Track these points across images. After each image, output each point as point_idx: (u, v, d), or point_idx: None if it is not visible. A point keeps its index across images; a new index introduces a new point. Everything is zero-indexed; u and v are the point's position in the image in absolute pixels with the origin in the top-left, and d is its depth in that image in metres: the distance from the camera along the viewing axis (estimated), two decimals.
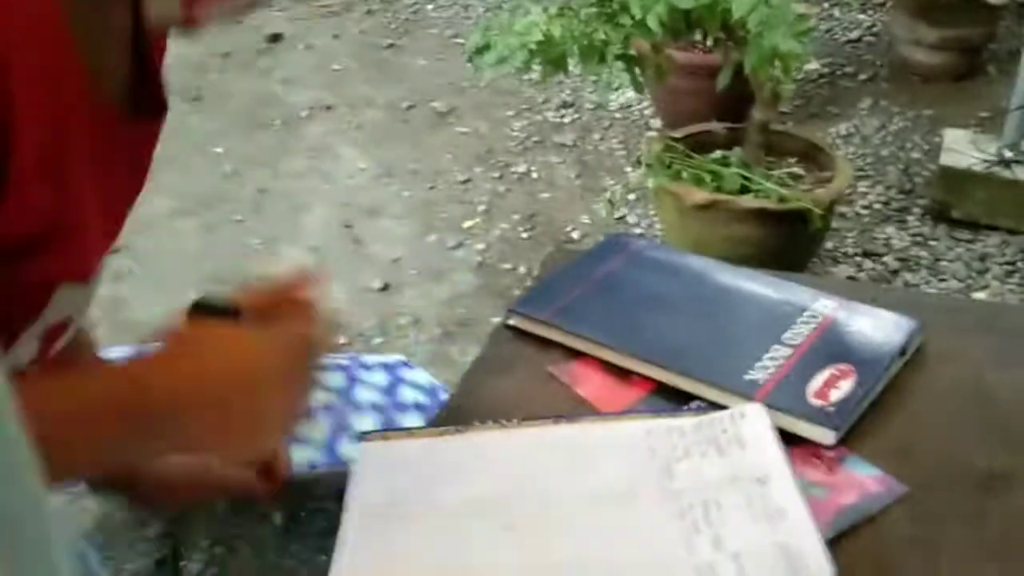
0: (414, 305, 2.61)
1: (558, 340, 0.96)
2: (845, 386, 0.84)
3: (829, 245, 2.59)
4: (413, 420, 1.64)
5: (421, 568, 0.73)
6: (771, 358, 0.88)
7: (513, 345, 0.98)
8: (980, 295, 2.42)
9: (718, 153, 2.45)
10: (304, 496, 2.00)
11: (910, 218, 2.77)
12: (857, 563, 0.70)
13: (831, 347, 0.89)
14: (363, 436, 0.85)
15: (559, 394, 0.90)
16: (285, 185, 3.16)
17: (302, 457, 1.68)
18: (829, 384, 0.84)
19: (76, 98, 0.57)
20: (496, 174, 3.16)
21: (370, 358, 1.85)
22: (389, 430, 0.85)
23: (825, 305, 0.95)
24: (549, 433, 0.85)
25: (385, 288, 2.69)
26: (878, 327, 0.92)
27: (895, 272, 2.54)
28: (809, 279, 1.00)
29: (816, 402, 0.83)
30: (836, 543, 0.72)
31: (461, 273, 2.71)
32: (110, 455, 0.61)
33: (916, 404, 0.86)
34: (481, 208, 2.97)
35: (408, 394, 1.72)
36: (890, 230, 2.71)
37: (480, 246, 2.80)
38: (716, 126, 2.56)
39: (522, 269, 2.69)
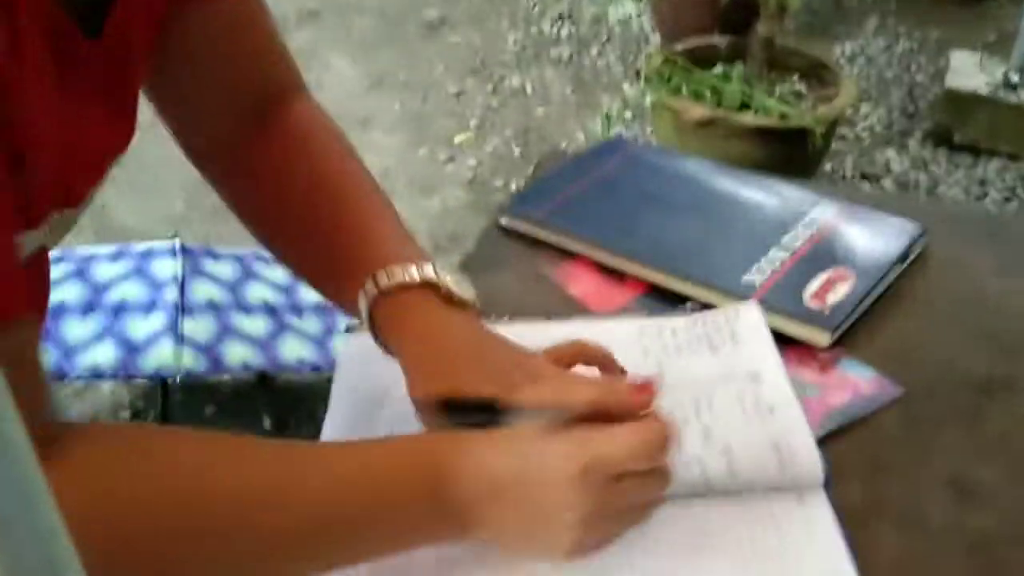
0: (404, 218, 2.59)
1: (551, 240, 0.95)
2: (842, 289, 0.84)
3: (827, 167, 2.58)
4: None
5: None
6: (768, 261, 0.87)
7: (504, 245, 0.97)
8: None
9: (719, 68, 2.42)
10: (294, 400, 2.01)
11: (911, 141, 2.76)
12: (848, 462, 0.71)
13: (830, 251, 0.89)
14: (348, 329, 0.85)
15: (550, 294, 0.90)
16: None
17: (292, 353, 1.72)
18: (826, 287, 0.84)
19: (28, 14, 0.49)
20: (489, 87, 3.11)
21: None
22: None
23: (826, 210, 0.95)
24: (538, 331, 0.84)
25: None
26: (879, 232, 0.92)
27: (893, 196, 2.54)
28: (811, 184, 0.98)
29: (812, 304, 0.82)
30: (827, 442, 0.72)
31: (452, 188, 2.69)
32: (397, 539, 0.58)
33: (915, 310, 0.86)
34: (473, 122, 2.94)
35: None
36: (890, 153, 2.70)
37: (472, 161, 2.77)
38: (718, 40, 2.52)
39: (514, 186, 2.67)
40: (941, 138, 2.72)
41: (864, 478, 0.70)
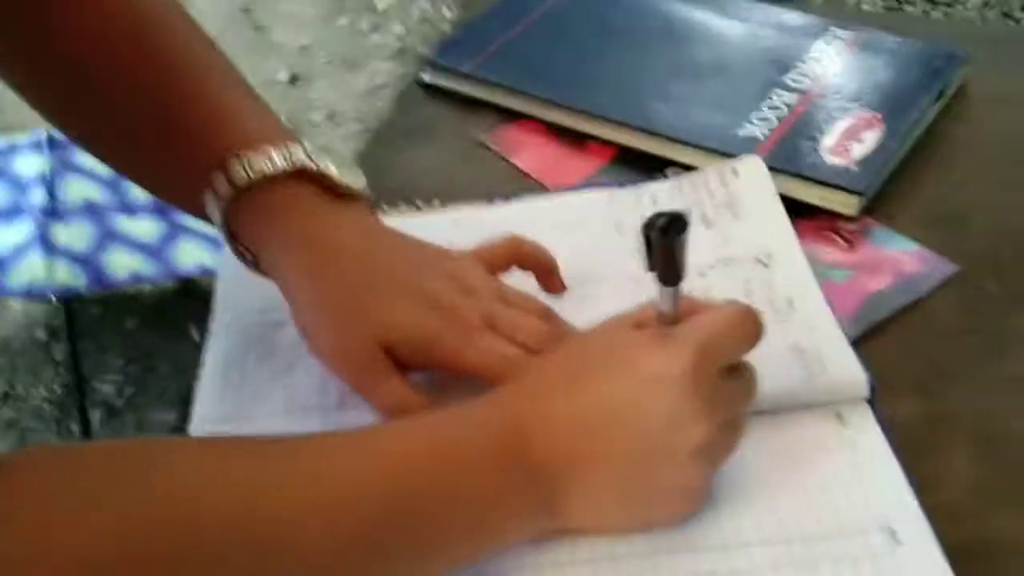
0: (328, 98, 2.38)
1: (488, 99, 0.76)
2: (870, 138, 0.66)
3: None
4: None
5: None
6: (772, 107, 0.69)
7: (430, 107, 0.78)
8: (962, 18, 2.20)
9: None
10: None
11: None
12: (896, 366, 0.54)
13: (849, 89, 0.70)
14: None
15: (493, 167, 0.72)
16: None
17: (190, 258, 1.53)
18: (850, 136, 0.66)
19: None
20: None
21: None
22: None
23: (839, 35, 0.75)
24: (481, 216, 0.66)
25: (294, 80, 2.44)
26: (910, 62, 0.73)
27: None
28: (811, 7, 0.79)
29: (835, 160, 0.64)
30: (867, 341, 0.55)
31: (379, 60, 2.46)
32: (476, 535, 0.43)
33: (960, 161, 0.68)
34: None
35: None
36: None
37: (398, 29, 2.53)
38: None
39: None
40: None
41: (920, 386, 0.54)
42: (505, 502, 0.43)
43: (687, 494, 0.45)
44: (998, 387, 0.53)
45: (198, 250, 1.52)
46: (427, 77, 0.79)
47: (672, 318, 0.45)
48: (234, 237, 0.52)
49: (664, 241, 0.42)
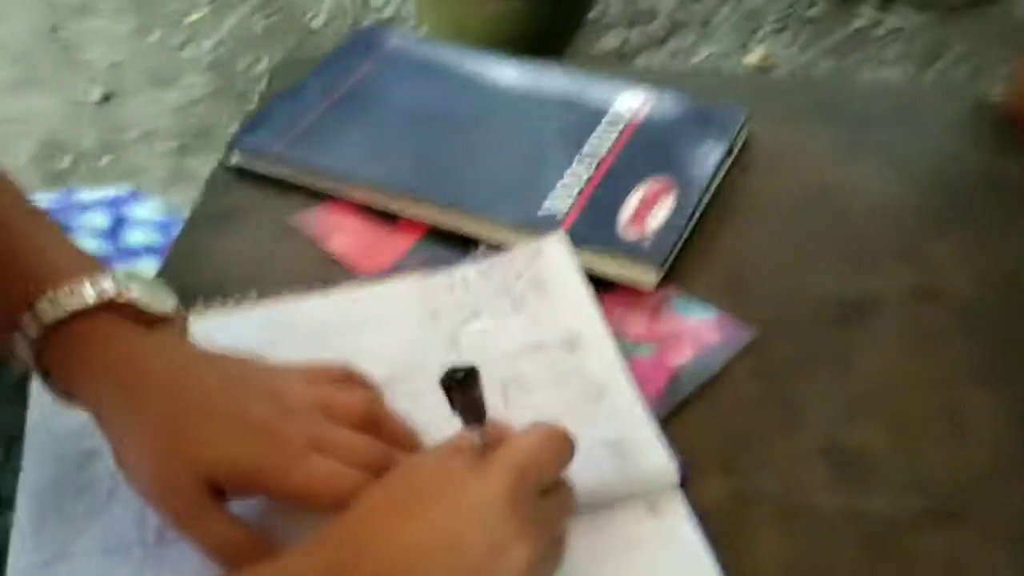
0: (142, 116, 2.26)
1: (297, 181, 0.73)
2: (665, 206, 0.67)
3: (592, 15, 2.39)
4: (145, 267, 1.37)
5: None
6: (571, 179, 0.69)
7: (240, 192, 0.75)
8: (752, 58, 2.31)
9: None
10: None
11: None
12: (702, 443, 0.55)
13: (643, 156, 0.71)
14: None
15: (304, 253, 0.69)
16: None
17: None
18: (645, 206, 0.67)
19: None
20: None
21: (88, 194, 1.53)
22: None
23: (630, 100, 0.76)
24: (295, 309, 0.64)
25: (106, 99, 2.31)
26: (698, 122, 0.74)
27: (663, 40, 2.38)
28: (602, 71, 0.79)
29: (630, 232, 0.65)
30: (673, 422, 0.56)
31: (192, 75, 2.35)
32: None
33: (750, 218, 0.69)
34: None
35: (137, 236, 1.43)
36: None
37: (209, 42, 2.43)
38: None
39: (261, 66, 2.36)
40: None
41: (725, 463, 0.55)
42: None
43: None
44: (798, 458, 0.55)
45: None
46: (235, 160, 0.75)
47: (483, 450, 0.45)
48: (47, 374, 0.50)
49: (463, 393, 0.44)
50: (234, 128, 2.18)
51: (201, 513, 0.47)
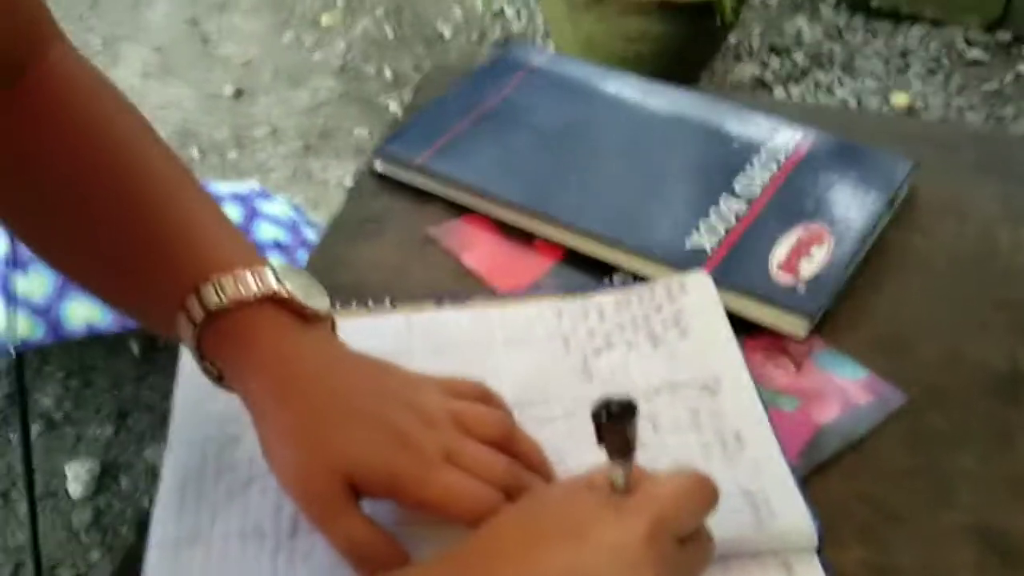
0: (271, 114, 2.33)
1: (438, 192, 0.74)
2: (819, 255, 0.65)
3: (732, 40, 2.36)
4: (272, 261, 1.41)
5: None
6: (720, 215, 0.68)
7: (382, 199, 0.75)
8: (899, 99, 2.24)
9: None
10: None
11: (823, 6, 2.53)
12: (843, 509, 0.53)
13: (799, 199, 0.69)
14: None
15: (441, 264, 0.69)
16: None
17: (105, 318, 1.45)
18: (798, 252, 0.65)
19: None
20: None
21: (221, 187, 1.59)
22: None
23: (789, 139, 0.74)
24: (432, 320, 0.64)
25: (238, 94, 2.39)
26: (860, 169, 0.72)
27: (805, 71, 2.34)
28: (762, 103, 0.77)
29: (783, 278, 0.63)
30: (815, 480, 0.54)
31: (321, 77, 2.41)
32: None
33: (908, 275, 0.67)
34: (340, 2, 2.63)
35: (266, 231, 1.48)
36: (800, 21, 2.48)
37: (341, 46, 2.49)
38: None
39: (388, 73, 2.40)
40: (857, 3, 2.46)
41: (867, 532, 0.52)
42: None
43: None
44: (943, 536, 0.52)
45: (85, 308, 1.43)
46: (379, 167, 0.77)
47: (624, 489, 0.44)
48: (204, 357, 0.52)
49: (614, 428, 0.42)
50: (359, 132, 2.24)
51: (338, 511, 0.47)
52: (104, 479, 1.65)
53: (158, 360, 1.80)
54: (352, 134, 2.24)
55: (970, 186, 0.74)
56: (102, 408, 1.78)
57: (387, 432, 0.48)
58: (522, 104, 0.79)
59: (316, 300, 0.52)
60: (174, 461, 0.56)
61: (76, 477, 1.66)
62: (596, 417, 0.42)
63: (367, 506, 0.49)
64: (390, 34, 2.52)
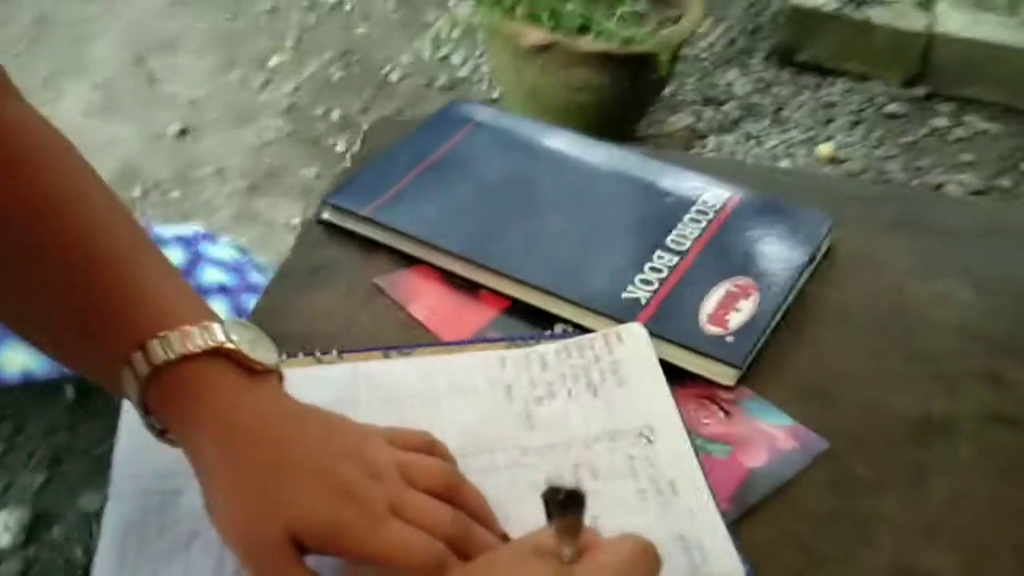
0: (216, 153, 2.33)
1: (385, 242, 0.75)
2: (746, 307, 0.68)
3: (667, 91, 2.43)
4: (217, 307, 1.40)
5: None
6: (654, 268, 0.70)
7: (330, 248, 0.77)
8: (824, 149, 2.32)
9: None
10: None
11: (753, 61, 2.62)
12: (771, 552, 0.56)
13: (727, 254, 0.72)
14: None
15: (388, 314, 0.71)
16: (68, 12, 2.73)
17: (41, 365, 1.47)
18: (727, 304, 0.68)
19: None
20: (305, 3, 2.82)
21: (164, 230, 1.58)
22: None
23: (718, 196, 0.78)
24: (378, 370, 0.65)
25: (183, 133, 2.38)
26: (784, 226, 0.75)
27: (736, 121, 2.41)
28: (688, 159, 0.80)
29: (712, 329, 0.66)
30: (743, 525, 0.57)
31: (268, 117, 2.42)
32: None
33: (828, 327, 0.70)
34: (289, 43, 2.65)
35: (211, 274, 1.47)
36: (732, 75, 2.57)
37: (289, 86, 2.50)
38: None
39: (335, 114, 2.42)
40: (785, 57, 2.57)
41: (793, 573, 0.55)
42: None
43: None
44: None
45: (22, 355, 1.43)
46: (326, 216, 0.78)
47: (573, 559, 0.45)
48: (148, 411, 0.52)
49: (563, 513, 0.43)
50: (305, 172, 2.25)
51: (282, 567, 0.48)
52: (35, 528, 1.61)
53: (93, 406, 1.76)
54: (298, 174, 2.24)
55: (886, 241, 0.78)
56: (34, 454, 1.74)
57: (332, 485, 0.49)
58: (468, 157, 0.81)
59: (263, 353, 0.52)
60: (114, 516, 0.56)
61: (5, 526, 1.62)
62: (546, 502, 0.43)
63: (310, 561, 0.49)
64: (336, 78, 2.54)
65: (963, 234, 0.79)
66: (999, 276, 0.75)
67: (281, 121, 2.40)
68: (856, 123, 2.42)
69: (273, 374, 0.53)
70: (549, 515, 0.43)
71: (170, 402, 0.51)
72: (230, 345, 0.50)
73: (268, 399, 0.52)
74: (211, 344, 0.50)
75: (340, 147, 2.29)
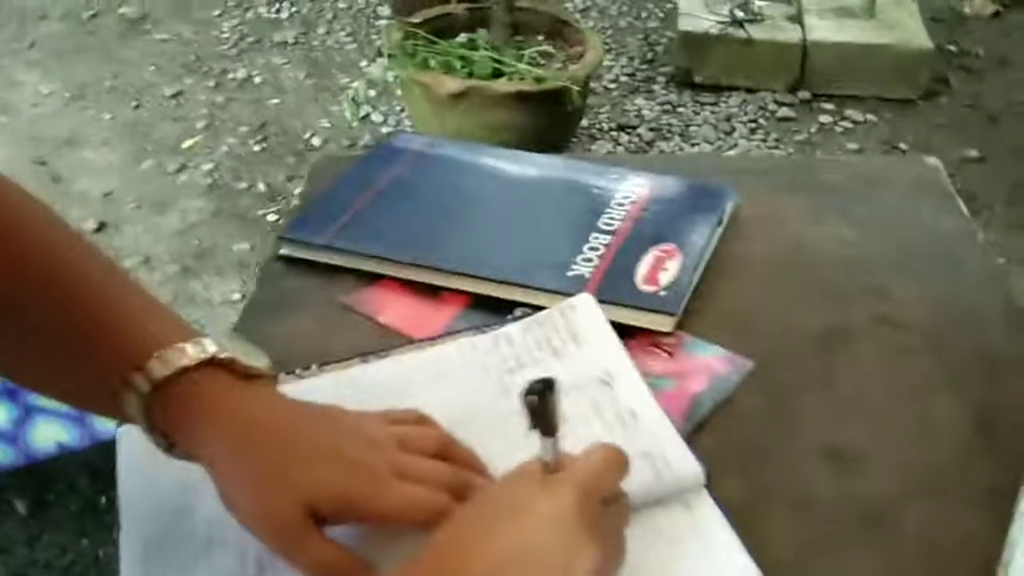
0: (141, 242, 2.41)
1: (345, 265, 0.88)
2: (672, 267, 0.83)
3: (584, 123, 2.62)
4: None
5: None
6: (592, 248, 0.85)
7: (291, 279, 0.88)
8: (731, 154, 2.55)
9: (463, 37, 2.39)
10: (50, 478, 1.80)
11: (656, 87, 2.88)
12: (721, 453, 0.69)
13: (650, 228, 0.87)
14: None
15: (360, 327, 0.82)
16: None
17: (48, 435, 1.55)
18: (656, 267, 0.82)
19: None
20: (211, 83, 2.94)
21: None
22: None
23: (636, 184, 0.93)
24: (359, 374, 0.77)
25: (101, 228, 2.46)
26: (693, 198, 0.92)
27: (650, 143, 2.62)
28: (611, 158, 0.96)
29: (647, 288, 0.80)
30: (696, 436, 0.71)
31: (189, 199, 2.52)
32: None
33: (741, 274, 0.87)
34: (201, 124, 2.77)
35: None
36: (640, 101, 2.80)
37: (207, 166, 2.61)
38: (456, 8, 2.49)
39: (261, 186, 2.54)
40: (683, 80, 2.88)
41: (740, 466, 0.69)
42: None
43: None
44: (798, 460, 0.70)
45: (53, 428, 1.54)
46: (284, 251, 0.89)
47: (554, 467, 0.56)
48: (155, 429, 0.58)
49: (541, 403, 0.53)
50: (238, 247, 2.34)
51: (304, 538, 0.55)
52: None
53: (50, 516, 1.74)
54: (230, 250, 2.34)
55: (782, 200, 0.97)
56: None
57: (340, 460, 0.57)
58: (412, 181, 0.95)
59: (256, 360, 0.60)
60: (131, 538, 0.63)
61: None
62: (525, 398, 0.53)
63: (335, 532, 0.56)
64: (257, 148, 2.66)
65: (845, 188, 0.97)
66: (875, 217, 0.95)
67: (203, 201, 2.50)
68: (754, 129, 2.70)
69: (268, 378, 0.61)
70: (532, 420, 0.54)
71: (175, 413, 0.57)
72: (225, 355, 0.57)
73: (269, 396, 0.60)
74: (207, 355, 0.57)
75: (272, 216, 2.40)
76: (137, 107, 2.84)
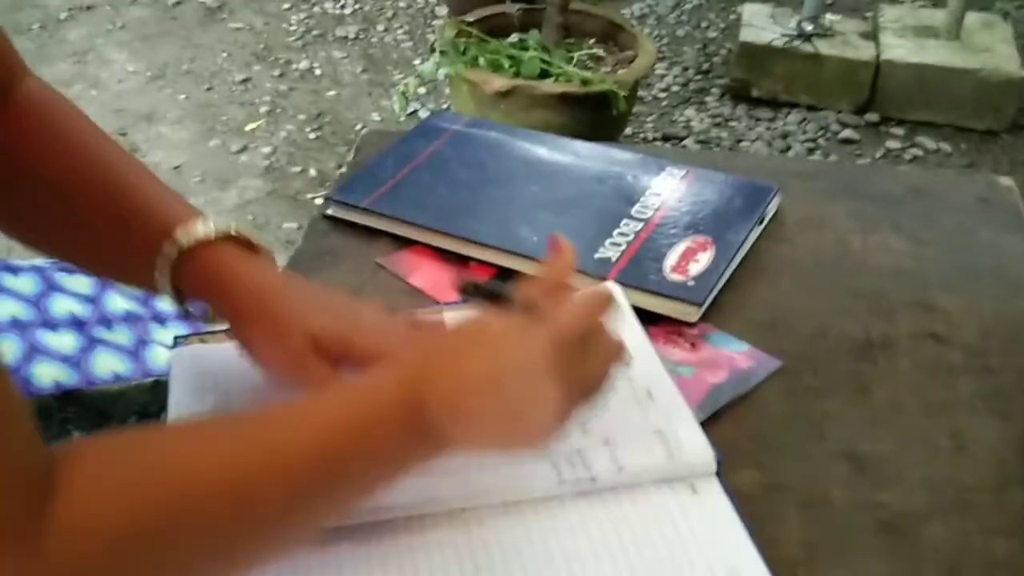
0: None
1: (384, 228, 0.86)
2: (704, 258, 0.78)
3: (628, 131, 2.56)
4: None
5: None
6: (621, 233, 0.81)
7: (335, 237, 0.87)
8: (780, 156, 2.43)
9: (515, 37, 2.35)
10: (105, 414, 1.83)
11: (709, 99, 2.75)
12: (737, 444, 0.65)
13: (685, 218, 0.83)
14: (177, 341, 0.74)
15: (391, 286, 0.81)
16: None
17: (107, 364, 1.60)
18: (686, 257, 0.78)
19: None
20: (277, 72, 2.94)
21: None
22: (206, 332, 0.72)
23: (673, 174, 0.89)
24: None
25: None
26: (732, 194, 0.87)
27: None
28: (654, 148, 0.92)
29: (675, 277, 0.76)
30: (711, 424, 0.66)
31: (248, 178, 2.51)
32: (386, 470, 0.55)
33: (779, 274, 0.81)
34: (264, 109, 2.77)
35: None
36: (689, 112, 2.70)
37: (266, 149, 2.61)
38: (510, 8, 2.45)
39: (312, 172, 2.53)
40: (739, 93, 2.69)
41: (756, 460, 0.65)
42: (407, 448, 0.53)
43: (546, 432, 0.55)
44: (818, 461, 0.65)
45: (113, 359, 1.61)
46: (330, 211, 0.88)
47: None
48: (179, 292, 0.64)
49: (476, 291, 0.60)
50: (287, 226, 2.33)
51: (313, 366, 0.61)
52: None
53: None
54: (281, 228, 2.33)
55: (828, 206, 0.89)
56: None
57: (336, 306, 0.65)
58: (450, 156, 0.92)
59: (258, 239, 0.66)
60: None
61: None
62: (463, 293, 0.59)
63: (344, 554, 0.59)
64: (312, 136, 2.65)
65: (893, 197, 0.90)
66: (926, 228, 0.87)
67: (260, 181, 2.50)
68: (812, 149, 2.54)
69: (269, 254, 0.67)
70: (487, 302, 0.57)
71: (199, 277, 0.63)
72: (234, 231, 0.64)
73: (272, 264, 0.67)
74: (220, 230, 0.64)
75: (319, 201, 2.39)
76: (209, 89, 2.84)
